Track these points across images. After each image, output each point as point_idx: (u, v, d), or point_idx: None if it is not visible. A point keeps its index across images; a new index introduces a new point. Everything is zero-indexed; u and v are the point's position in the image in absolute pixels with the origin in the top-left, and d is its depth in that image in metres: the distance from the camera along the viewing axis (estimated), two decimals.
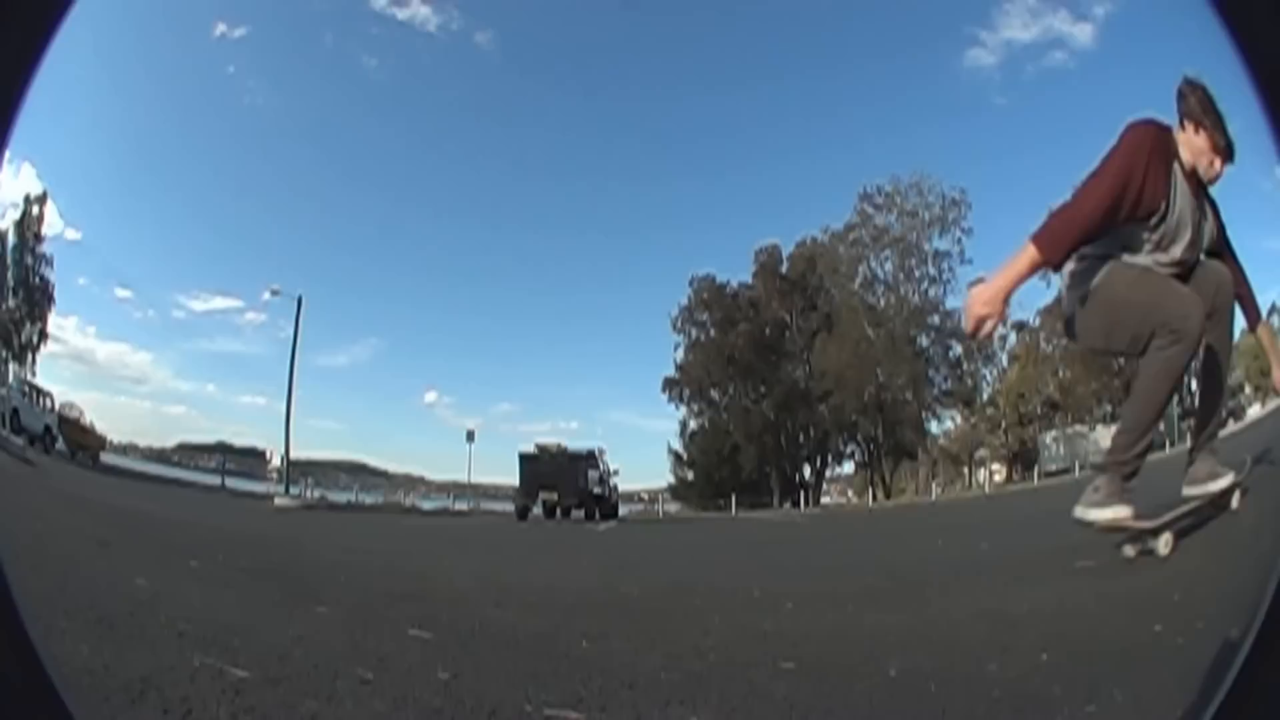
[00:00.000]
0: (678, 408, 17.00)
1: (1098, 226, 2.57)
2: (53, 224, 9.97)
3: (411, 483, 13.80)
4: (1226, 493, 2.90)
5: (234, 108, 14.11)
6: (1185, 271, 2.76)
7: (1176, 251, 2.71)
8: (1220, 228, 2.93)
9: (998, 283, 2.46)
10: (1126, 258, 2.71)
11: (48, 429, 8.26)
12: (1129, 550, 2.60)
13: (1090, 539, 2.72)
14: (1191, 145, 2.65)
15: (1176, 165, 2.64)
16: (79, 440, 8.85)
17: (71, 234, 10.43)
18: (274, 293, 11.63)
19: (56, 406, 8.59)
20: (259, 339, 13.31)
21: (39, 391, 8.55)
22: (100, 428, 9.46)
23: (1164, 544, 2.56)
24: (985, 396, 15.91)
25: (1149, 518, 2.60)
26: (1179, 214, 2.67)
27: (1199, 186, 2.72)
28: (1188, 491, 2.88)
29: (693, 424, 17.54)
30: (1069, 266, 2.76)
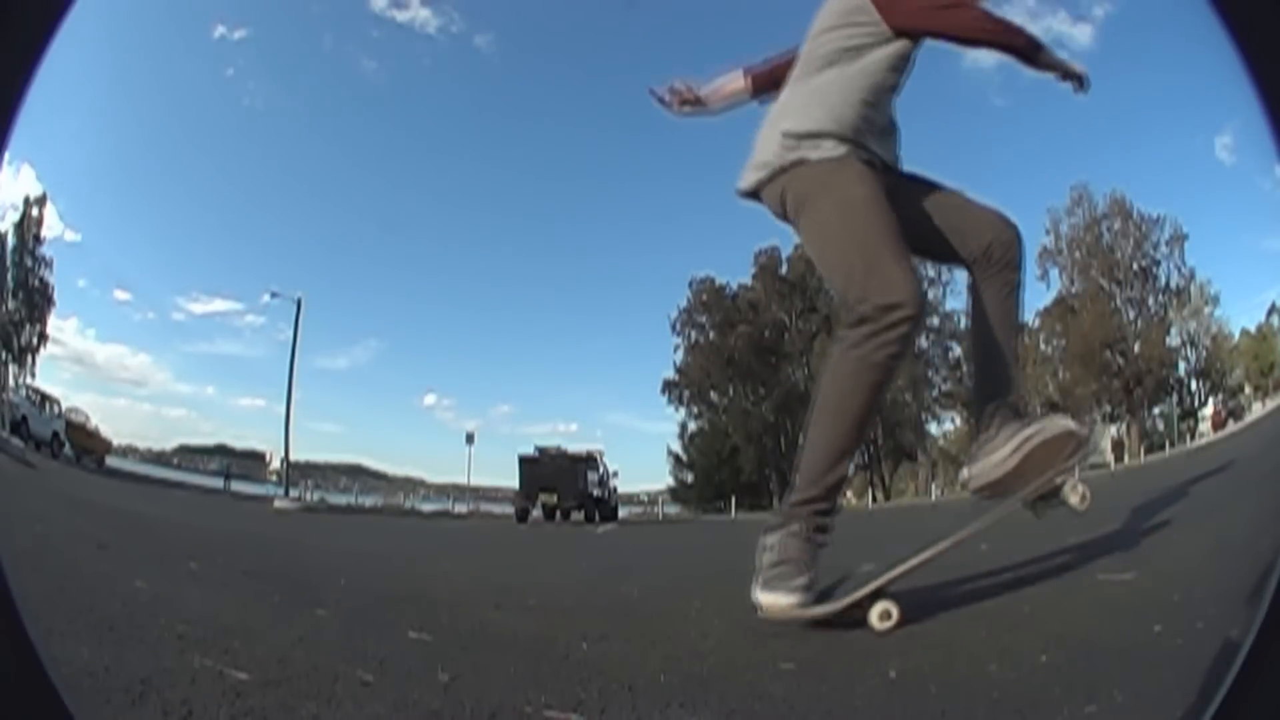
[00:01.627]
0: (677, 410, 16.97)
1: None
2: (52, 226, 9.99)
3: (411, 485, 13.82)
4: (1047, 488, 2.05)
5: (234, 110, 14.15)
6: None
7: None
8: None
9: None
10: (852, 151, 2.18)
11: (56, 435, 8.39)
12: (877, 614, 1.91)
13: (1090, 539, 2.72)
14: None
15: None
16: (85, 444, 8.99)
17: (71, 236, 10.45)
18: (273, 295, 11.65)
19: (63, 412, 8.70)
20: (258, 341, 13.33)
21: (46, 398, 8.68)
22: (102, 431, 9.53)
23: (878, 615, 1.84)
24: None
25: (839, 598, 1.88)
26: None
27: None
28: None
29: (692, 426, 17.61)
30: (784, 124, 2.25)
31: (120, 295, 12.27)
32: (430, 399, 14.23)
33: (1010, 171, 16.00)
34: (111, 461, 9.59)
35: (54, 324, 9.92)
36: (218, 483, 10.97)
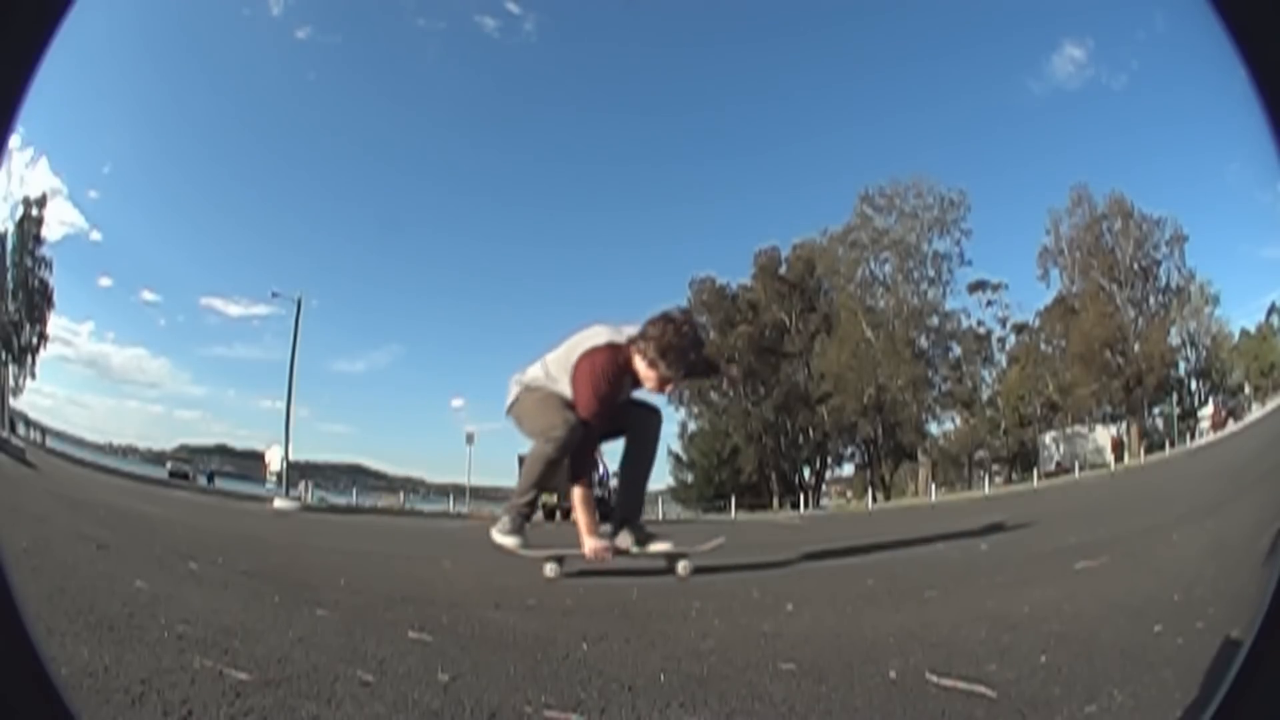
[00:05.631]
0: (677, 410, 16.96)
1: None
2: (54, 226, 9.99)
3: (411, 485, 13.78)
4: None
5: (243, 109, 14.14)
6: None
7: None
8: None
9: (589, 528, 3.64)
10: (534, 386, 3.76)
11: None
12: (549, 570, 3.50)
13: (1090, 539, 2.72)
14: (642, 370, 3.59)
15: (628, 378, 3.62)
16: None
17: (75, 235, 10.44)
18: (274, 295, 11.64)
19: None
20: (261, 342, 13.31)
21: None
22: (106, 430, 9.57)
23: (549, 571, 3.48)
24: (985, 398, 15.95)
25: (535, 549, 3.64)
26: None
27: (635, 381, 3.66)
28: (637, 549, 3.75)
29: (692, 426, 17.61)
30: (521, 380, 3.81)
31: (126, 296, 12.25)
32: (458, 402, 14.12)
33: (1011, 172, 16.00)
34: (111, 462, 9.61)
35: (55, 324, 9.90)
36: (201, 482, 10.96)
